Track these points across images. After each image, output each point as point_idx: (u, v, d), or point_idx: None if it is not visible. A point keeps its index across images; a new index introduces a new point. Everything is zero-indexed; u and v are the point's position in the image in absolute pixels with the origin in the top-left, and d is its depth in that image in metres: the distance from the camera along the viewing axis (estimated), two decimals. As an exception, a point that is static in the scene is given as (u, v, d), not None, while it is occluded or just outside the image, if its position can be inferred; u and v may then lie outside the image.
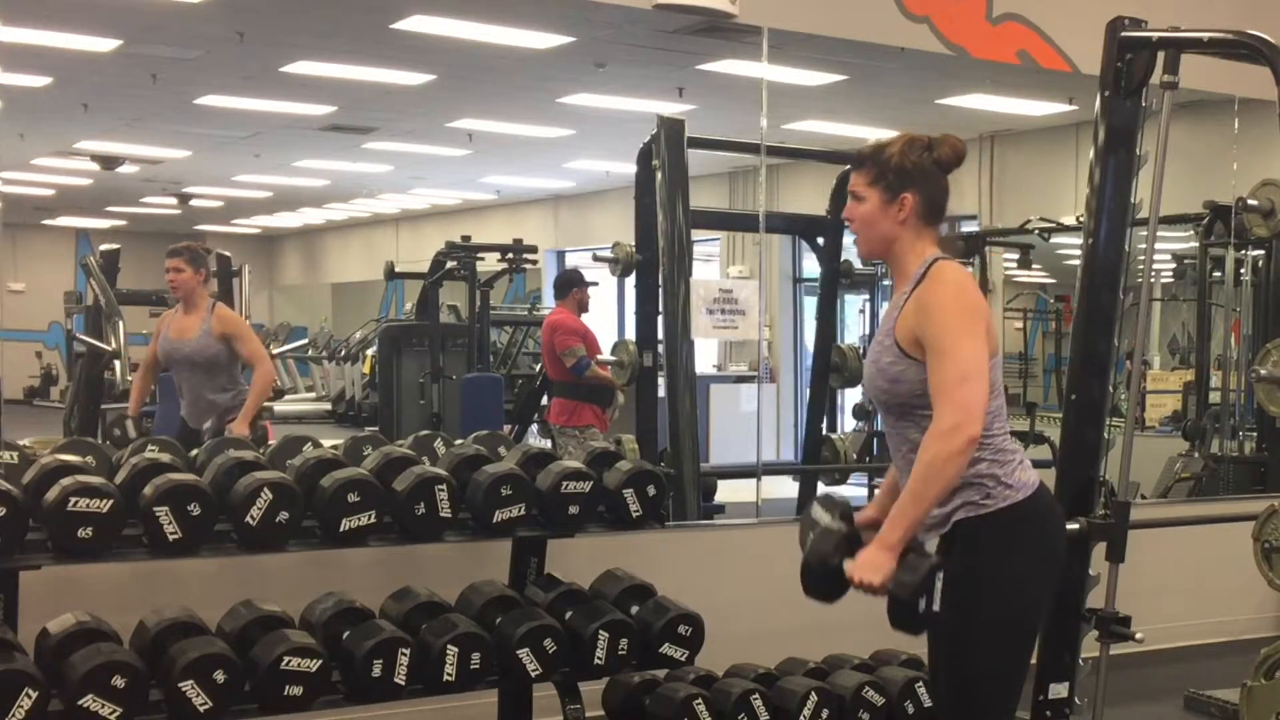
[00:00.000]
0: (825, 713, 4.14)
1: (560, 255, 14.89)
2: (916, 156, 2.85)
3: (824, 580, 2.84)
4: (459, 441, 4.17)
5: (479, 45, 7.87)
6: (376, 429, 9.34)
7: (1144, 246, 4.32)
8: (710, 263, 13.08)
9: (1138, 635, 4.03)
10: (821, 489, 7.04)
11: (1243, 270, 7.55)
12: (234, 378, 5.48)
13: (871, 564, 2.72)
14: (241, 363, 5.51)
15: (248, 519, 3.41)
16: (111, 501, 3.26)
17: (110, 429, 6.65)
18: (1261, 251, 7.16)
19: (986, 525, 2.80)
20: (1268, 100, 3.55)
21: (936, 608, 2.70)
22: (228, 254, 8.92)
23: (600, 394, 7.14)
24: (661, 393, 6.07)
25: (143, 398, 5.87)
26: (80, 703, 3.10)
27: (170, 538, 3.31)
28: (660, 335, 5.97)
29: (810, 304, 11.03)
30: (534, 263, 10.46)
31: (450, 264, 9.18)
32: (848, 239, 7.68)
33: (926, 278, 2.82)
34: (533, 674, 3.68)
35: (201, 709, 3.22)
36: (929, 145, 2.87)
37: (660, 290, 5.80)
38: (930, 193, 2.86)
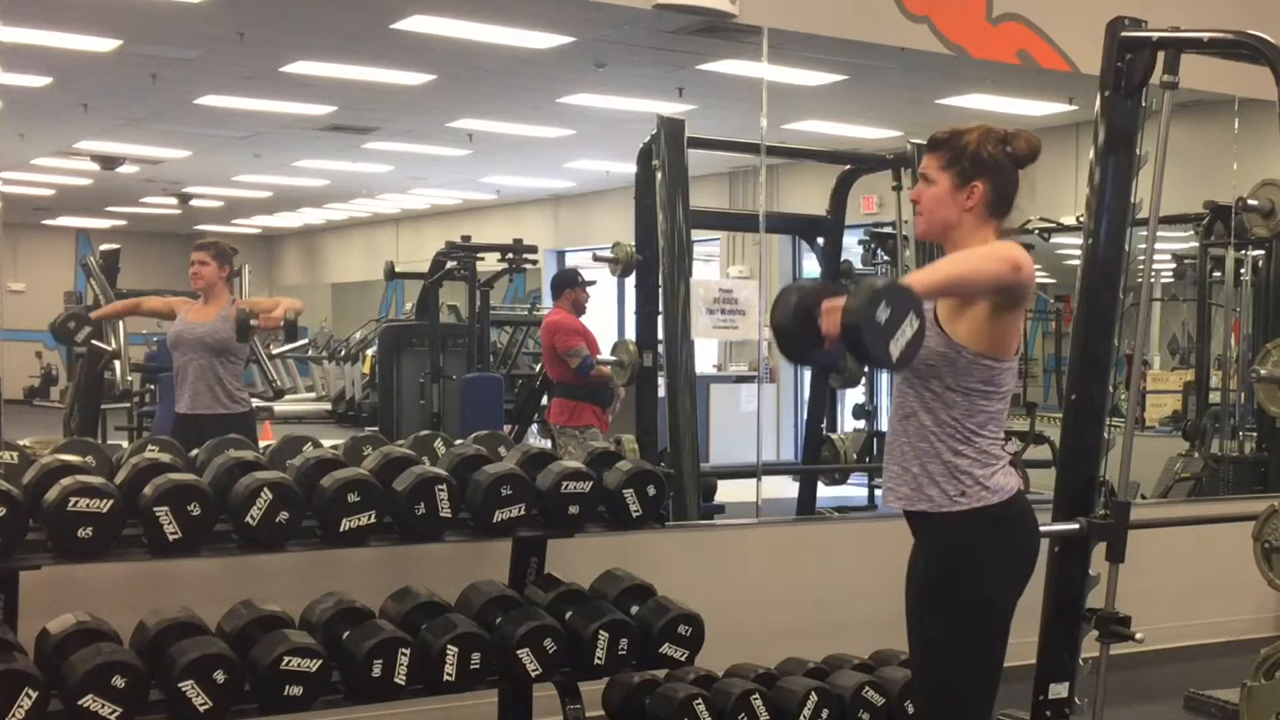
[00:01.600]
0: (825, 713, 4.14)
1: (560, 255, 14.89)
2: (992, 147, 2.86)
3: (799, 324, 2.57)
4: (459, 441, 4.17)
5: (479, 45, 7.87)
6: (376, 429, 9.34)
7: (1144, 246, 4.32)
8: (710, 263, 13.08)
9: (1138, 635, 4.03)
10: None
11: (1243, 270, 7.55)
12: (239, 372, 5.51)
13: (844, 298, 2.49)
14: (248, 360, 5.59)
15: (248, 519, 3.41)
16: (111, 501, 3.26)
17: (65, 323, 6.67)
18: (1261, 251, 7.16)
19: (957, 522, 2.82)
20: (1268, 100, 3.56)
21: (898, 350, 2.48)
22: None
23: (600, 394, 7.14)
24: (661, 393, 6.07)
25: (113, 313, 6.19)
26: (80, 703, 3.10)
27: (170, 538, 3.31)
28: (660, 335, 5.97)
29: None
30: (534, 263, 10.45)
31: (450, 264, 9.18)
32: (848, 239, 7.76)
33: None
34: (533, 674, 3.68)
35: (201, 709, 3.22)
36: (1005, 138, 2.88)
37: (660, 290, 5.80)
38: (1001, 185, 2.87)
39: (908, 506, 2.89)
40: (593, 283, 7.65)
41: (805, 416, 7.66)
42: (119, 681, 3.13)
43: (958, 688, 2.87)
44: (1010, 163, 2.88)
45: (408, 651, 3.49)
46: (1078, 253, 4.17)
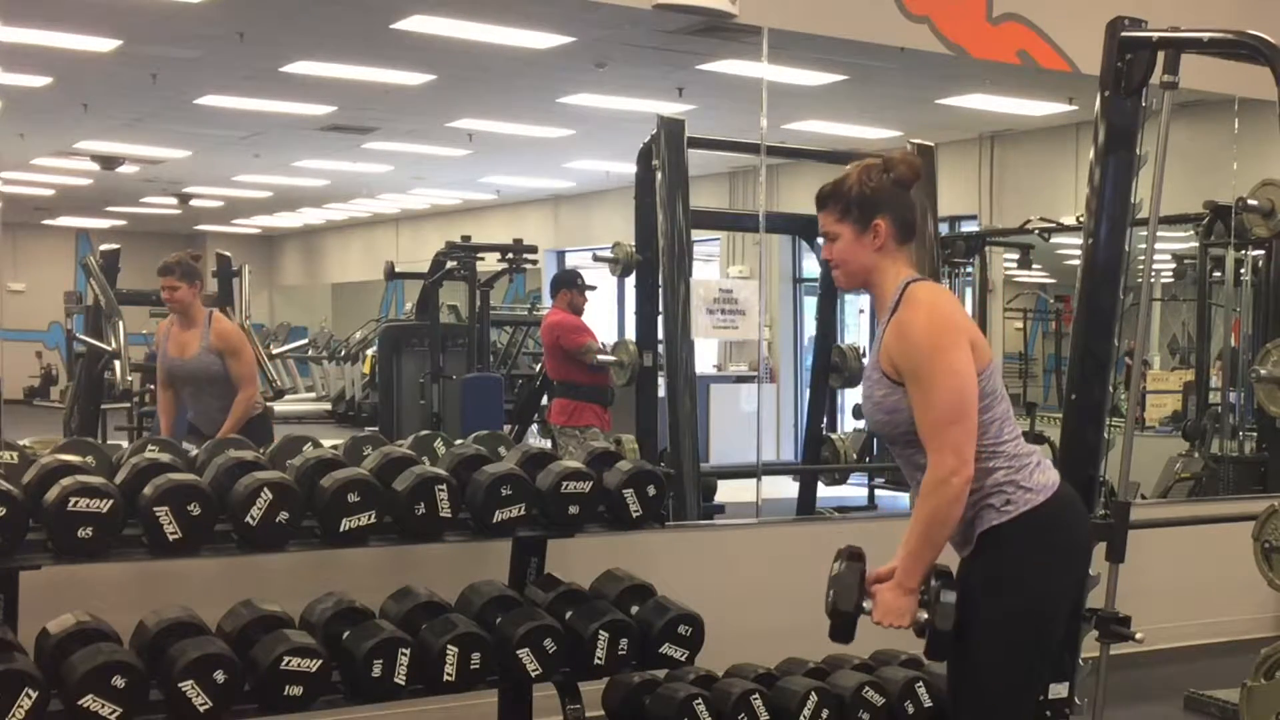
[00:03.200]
0: (825, 713, 4.13)
1: (560, 255, 14.89)
2: (876, 181, 2.86)
3: (849, 627, 2.94)
4: (459, 441, 4.17)
5: (479, 45, 7.86)
6: (376, 429, 9.34)
7: (1144, 246, 4.32)
8: (710, 263, 13.08)
9: (1138, 635, 4.03)
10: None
11: (1243, 270, 7.55)
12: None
13: (895, 609, 2.82)
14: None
15: (248, 519, 3.41)
16: (111, 501, 3.26)
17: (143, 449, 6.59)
18: (1261, 251, 7.16)
19: (1010, 530, 2.80)
20: (1268, 100, 3.55)
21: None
22: (228, 254, 8.92)
23: (601, 394, 7.14)
24: (661, 393, 6.06)
25: (172, 416, 5.59)
26: (80, 703, 3.11)
27: (170, 538, 3.31)
28: (660, 335, 5.97)
29: (810, 304, 11.04)
30: (534, 263, 10.46)
31: (450, 264, 9.18)
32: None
33: (901, 303, 2.83)
34: (533, 674, 3.68)
35: (201, 709, 3.22)
36: (885, 167, 2.88)
37: (660, 290, 5.79)
38: (899, 213, 2.88)
39: (969, 545, 2.88)
40: (593, 288, 7.64)
41: (805, 416, 7.66)
42: (119, 681, 3.13)
43: (1007, 695, 2.85)
44: (899, 188, 2.87)
45: (408, 651, 3.49)
46: (1078, 253, 4.17)
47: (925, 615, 2.83)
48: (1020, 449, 2.84)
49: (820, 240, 2.99)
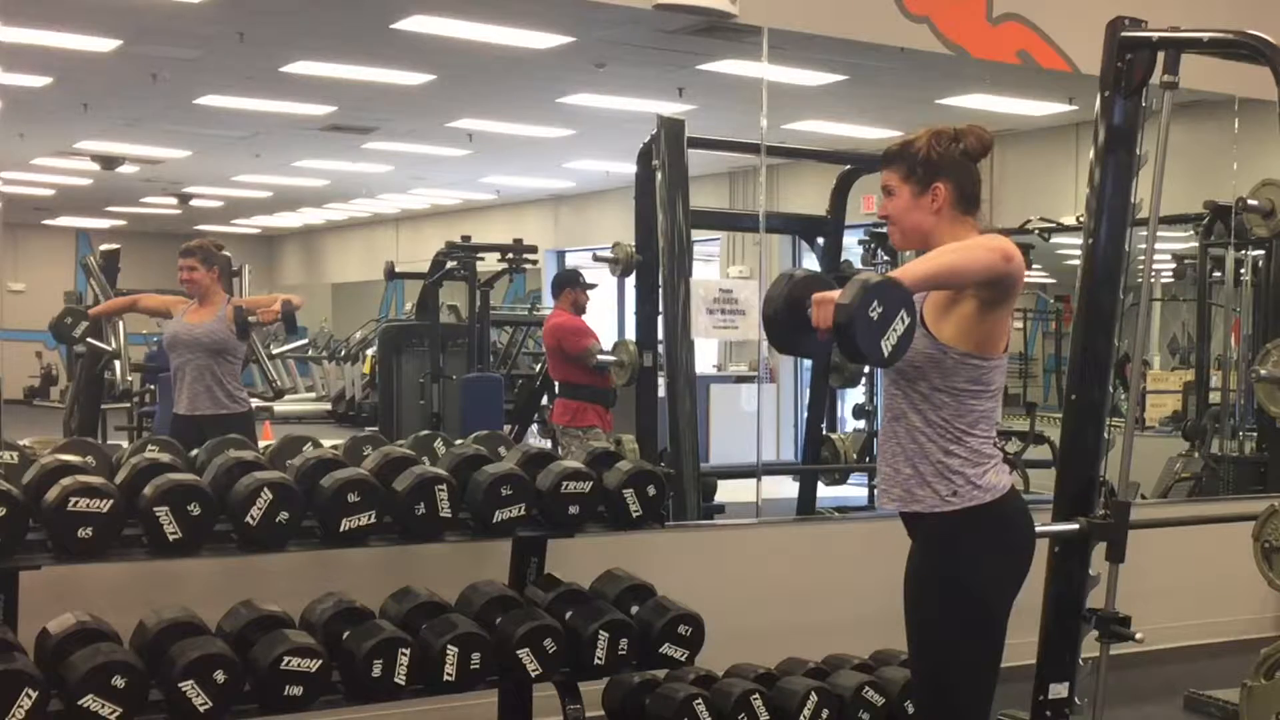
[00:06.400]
0: (825, 713, 4.14)
1: (560, 255, 14.89)
2: (944, 148, 2.90)
3: (789, 313, 2.60)
4: (459, 441, 4.17)
5: (479, 45, 7.87)
6: (376, 429, 9.34)
7: (1144, 246, 4.32)
8: (710, 263, 13.08)
9: (1138, 635, 4.04)
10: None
11: (1243, 270, 7.55)
12: (237, 372, 5.49)
13: (830, 296, 2.50)
14: (247, 360, 5.58)
15: (248, 519, 3.41)
16: (111, 501, 3.26)
17: (62, 319, 6.88)
18: (1261, 251, 7.16)
19: (951, 522, 2.83)
20: (1268, 100, 3.56)
21: (889, 347, 2.49)
22: (228, 254, 8.92)
23: (603, 394, 7.14)
24: (661, 393, 6.06)
25: (110, 310, 6.46)
26: (80, 703, 3.10)
27: (170, 538, 3.31)
28: (660, 335, 5.97)
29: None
30: (534, 263, 10.45)
31: (450, 264, 9.17)
32: (848, 239, 7.76)
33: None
34: (533, 674, 3.68)
35: (201, 709, 3.22)
36: (955, 136, 2.91)
37: (660, 290, 5.79)
38: (961, 182, 2.91)
39: (901, 508, 2.90)
40: (594, 285, 7.64)
41: (805, 416, 7.66)
42: (119, 681, 3.13)
43: (955, 687, 2.88)
44: (964, 159, 2.92)
45: (408, 651, 3.49)
46: (1078, 253, 4.17)
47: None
48: (986, 449, 2.86)
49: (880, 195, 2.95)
